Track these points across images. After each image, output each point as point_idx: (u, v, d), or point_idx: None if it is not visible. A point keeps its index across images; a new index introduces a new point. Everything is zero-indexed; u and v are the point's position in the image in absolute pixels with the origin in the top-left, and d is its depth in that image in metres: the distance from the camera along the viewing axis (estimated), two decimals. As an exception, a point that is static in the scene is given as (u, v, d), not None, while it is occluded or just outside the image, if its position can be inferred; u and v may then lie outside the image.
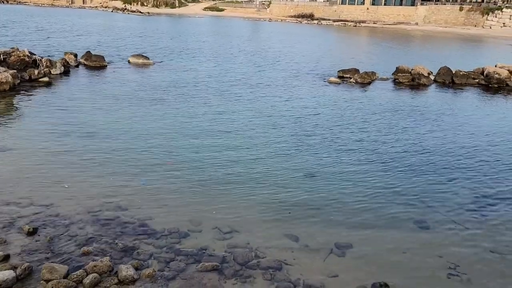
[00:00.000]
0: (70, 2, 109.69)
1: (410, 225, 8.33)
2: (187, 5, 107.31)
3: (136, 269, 6.27)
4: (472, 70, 25.66)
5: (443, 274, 6.78)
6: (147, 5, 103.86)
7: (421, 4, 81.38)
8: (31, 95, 17.00)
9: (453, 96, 21.93)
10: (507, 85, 23.99)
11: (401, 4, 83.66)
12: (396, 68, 25.35)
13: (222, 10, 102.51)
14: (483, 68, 25.51)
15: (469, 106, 19.63)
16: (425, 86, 23.83)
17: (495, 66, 25.81)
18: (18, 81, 17.87)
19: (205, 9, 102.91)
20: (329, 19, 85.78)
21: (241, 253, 6.97)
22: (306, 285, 6.27)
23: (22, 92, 17.19)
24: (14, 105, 15.39)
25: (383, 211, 8.82)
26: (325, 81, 23.47)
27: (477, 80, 24.60)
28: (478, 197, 9.76)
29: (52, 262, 6.24)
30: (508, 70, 24.88)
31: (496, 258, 7.33)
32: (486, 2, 78.28)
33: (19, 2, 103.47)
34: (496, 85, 23.97)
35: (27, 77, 18.80)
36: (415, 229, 8.20)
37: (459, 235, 8.03)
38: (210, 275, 6.35)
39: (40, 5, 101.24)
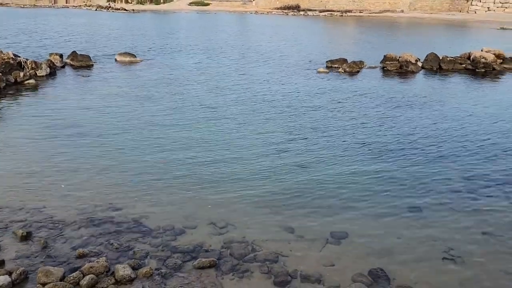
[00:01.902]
0: (53, 2, 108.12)
1: (404, 211, 8.43)
2: (172, 1, 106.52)
3: (133, 268, 6.26)
4: (459, 56, 25.83)
5: (438, 257, 6.88)
6: (131, 2, 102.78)
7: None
8: (18, 97, 16.79)
9: (440, 82, 22.08)
10: (493, 69, 24.21)
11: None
12: (384, 56, 25.43)
13: (207, 4, 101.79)
14: (469, 53, 25.68)
15: (457, 92, 19.79)
16: (413, 73, 23.95)
17: (481, 50, 26.01)
18: (4, 84, 17.61)
19: (190, 4, 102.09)
20: (315, 10, 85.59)
21: (238, 248, 6.99)
22: (303, 275, 6.32)
23: (8, 95, 16.96)
24: (1, 109, 15.18)
25: (377, 199, 8.90)
26: (313, 72, 23.48)
27: (464, 65, 24.75)
28: (470, 181, 9.88)
29: (47, 265, 6.20)
30: (494, 54, 25.10)
31: (488, 240, 7.47)
32: (470, -13, 78.68)
33: (0, 4, 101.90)
34: (483, 69, 24.16)
35: (13, 80, 18.51)
36: (409, 215, 8.29)
37: (452, 219, 8.15)
38: (207, 271, 6.37)
39: (22, 6, 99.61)
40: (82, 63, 23.70)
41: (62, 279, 5.90)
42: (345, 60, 24.78)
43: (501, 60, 25.08)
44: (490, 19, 62.86)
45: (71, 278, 5.91)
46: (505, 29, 50.29)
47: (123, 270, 6.08)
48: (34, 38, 35.83)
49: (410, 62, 24.52)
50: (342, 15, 78.37)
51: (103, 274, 6.10)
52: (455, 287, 6.22)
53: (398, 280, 6.27)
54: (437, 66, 24.73)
